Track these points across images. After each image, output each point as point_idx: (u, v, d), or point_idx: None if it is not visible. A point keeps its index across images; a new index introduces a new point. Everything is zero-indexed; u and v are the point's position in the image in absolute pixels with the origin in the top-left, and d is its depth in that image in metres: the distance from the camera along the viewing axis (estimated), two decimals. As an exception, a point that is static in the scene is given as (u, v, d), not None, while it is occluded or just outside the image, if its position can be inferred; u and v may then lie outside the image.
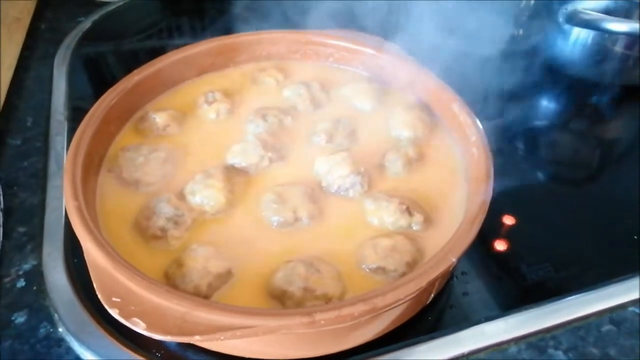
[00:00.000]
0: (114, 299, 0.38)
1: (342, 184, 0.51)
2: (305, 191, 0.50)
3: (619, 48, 0.75)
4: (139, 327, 0.37)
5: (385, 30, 0.67)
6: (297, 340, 0.43)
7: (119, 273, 0.39)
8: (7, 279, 0.51)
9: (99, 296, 0.39)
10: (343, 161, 0.52)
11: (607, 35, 0.73)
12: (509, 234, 0.57)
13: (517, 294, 0.52)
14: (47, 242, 0.55)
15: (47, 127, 0.69)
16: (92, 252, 0.41)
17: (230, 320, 0.37)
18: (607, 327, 0.49)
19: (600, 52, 0.76)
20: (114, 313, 0.38)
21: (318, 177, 0.53)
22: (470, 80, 0.62)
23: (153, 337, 0.36)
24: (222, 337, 0.36)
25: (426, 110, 0.60)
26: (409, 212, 0.49)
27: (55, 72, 0.79)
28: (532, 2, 0.82)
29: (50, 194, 0.60)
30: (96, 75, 0.82)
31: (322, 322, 0.37)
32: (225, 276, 0.44)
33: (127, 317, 0.37)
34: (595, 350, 0.47)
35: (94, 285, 0.40)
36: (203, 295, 0.42)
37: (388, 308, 0.39)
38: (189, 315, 0.37)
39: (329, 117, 0.59)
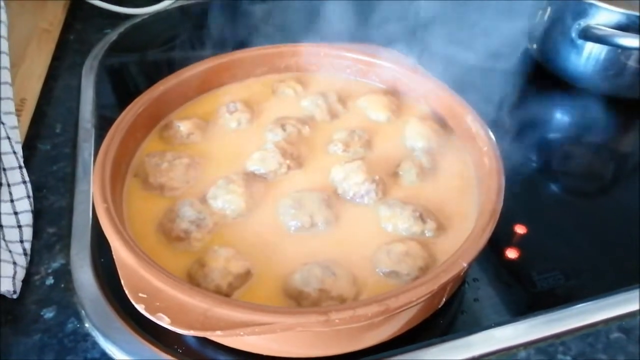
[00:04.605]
0: (140, 295, 0.40)
1: (358, 191, 0.53)
2: (322, 197, 0.52)
3: (632, 63, 0.76)
4: (164, 321, 0.38)
5: (401, 44, 0.68)
6: (312, 338, 0.44)
7: (145, 271, 0.41)
8: (37, 277, 0.54)
9: (127, 292, 0.41)
10: (358, 169, 0.54)
11: (620, 50, 0.74)
12: (520, 243, 0.58)
13: (527, 301, 0.53)
14: (75, 242, 0.57)
15: (75, 134, 0.71)
16: (120, 251, 0.43)
17: (249, 317, 0.38)
18: (616, 335, 0.50)
19: (613, 66, 0.77)
20: (141, 308, 0.39)
21: (334, 184, 0.55)
22: (484, 93, 0.63)
23: (176, 332, 0.38)
24: (242, 333, 0.38)
25: (440, 121, 0.62)
26: (422, 219, 0.50)
27: (83, 81, 0.82)
28: (546, 17, 0.83)
29: (78, 197, 0.62)
30: (121, 85, 0.85)
31: (337, 321, 0.39)
32: (245, 276, 0.46)
33: (152, 313, 0.39)
34: (603, 357, 0.48)
35: (122, 282, 0.41)
36: (224, 294, 0.44)
37: (401, 309, 0.40)
38: (211, 311, 0.39)
39: (346, 127, 0.61)
